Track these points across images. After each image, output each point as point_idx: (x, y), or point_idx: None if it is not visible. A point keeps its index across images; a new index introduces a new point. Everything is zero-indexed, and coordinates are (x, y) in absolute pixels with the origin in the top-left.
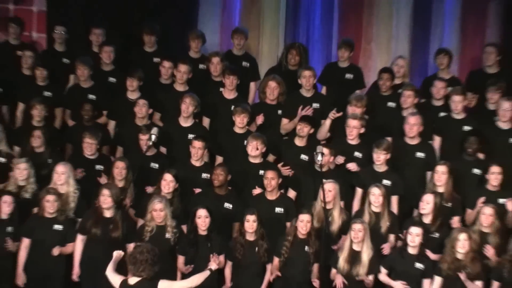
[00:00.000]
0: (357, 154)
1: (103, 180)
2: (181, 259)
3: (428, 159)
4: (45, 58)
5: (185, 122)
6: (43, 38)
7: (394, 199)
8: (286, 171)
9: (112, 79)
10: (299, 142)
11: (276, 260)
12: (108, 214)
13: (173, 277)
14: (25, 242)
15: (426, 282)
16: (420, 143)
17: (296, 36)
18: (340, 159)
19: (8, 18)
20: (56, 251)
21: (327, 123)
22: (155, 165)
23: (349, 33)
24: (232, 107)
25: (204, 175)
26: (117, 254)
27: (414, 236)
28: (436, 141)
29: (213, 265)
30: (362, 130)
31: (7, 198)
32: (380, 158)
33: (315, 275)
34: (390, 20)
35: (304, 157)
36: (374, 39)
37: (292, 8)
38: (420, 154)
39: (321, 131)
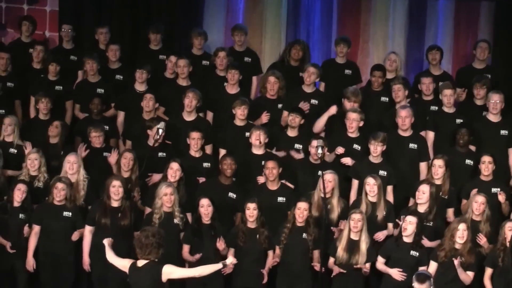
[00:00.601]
0: (356, 146)
1: (112, 158)
2: (186, 248)
3: (420, 150)
4: (56, 55)
5: (189, 116)
6: (55, 36)
7: (390, 189)
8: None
9: (119, 77)
10: (291, 132)
11: (278, 248)
12: (116, 203)
13: (182, 262)
14: (35, 229)
15: (421, 270)
16: (413, 135)
17: (297, 35)
18: (341, 150)
19: (21, 17)
20: (75, 235)
21: (324, 117)
22: (163, 154)
23: (347, 33)
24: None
25: (205, 165)
26: (107, 241)
27: (407, 223)
28: (430, 136)
29: (229, 260)
30: (362, 124)
31: (21, 186)
32: (377, 150)
33: (317, 259)
34: (386, 20)
35: (297, 146)
36: (371, 38)
37: (293, 9)
38: (412, 145)
39: (317, 124)
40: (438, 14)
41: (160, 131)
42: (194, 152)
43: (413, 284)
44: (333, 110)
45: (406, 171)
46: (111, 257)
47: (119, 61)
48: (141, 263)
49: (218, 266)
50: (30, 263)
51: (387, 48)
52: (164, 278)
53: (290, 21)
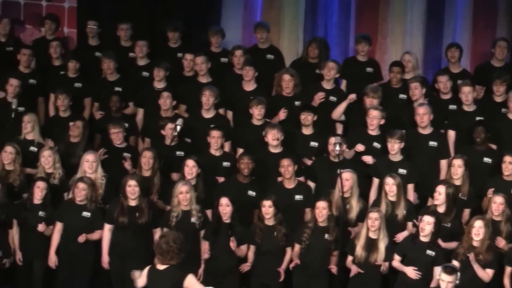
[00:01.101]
0: (376, 144)
1: (127, 165)
2: (206, 245)
3: (440, 147)
4: (78, 52)
5: (207, 113)
6: (73, 33)
7: (410, 187)
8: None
9: (145, 73)
10: (306, 130)
11: (297, 247)
12: (133, 202)
13: (198, 261)
14: (58, 226)
15: (436, 269)
16: (433, 133)
17: (315, 32)
18: (361, 147)
19: (45, 15)
20: (81, 238)
21: (343, 104)
22: (180, 153)
23: (365, 29)
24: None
25: (225, 164)
26: (136, 273)
27: (425, 223)
28: (451, 135)
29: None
30: (383, 121)
31: (40, 184)
32: (394, 147)
33: (334, 262)
34: (404, 16)
35: (313, 144)
36: (389, 34)
37: (311, 6)
38: (432, 143)
39: (336, 111)
40: (457, 10)
41: (178, 127)
42: (214, 150)
43: (440, 276)
44: (352, 96)
45: (426, 170)
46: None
47: (146, 58)
48: (161, 266)
49: None
50: (52, 259)
51: (405, 45)
52: (185, 285)
53: (308, 18)
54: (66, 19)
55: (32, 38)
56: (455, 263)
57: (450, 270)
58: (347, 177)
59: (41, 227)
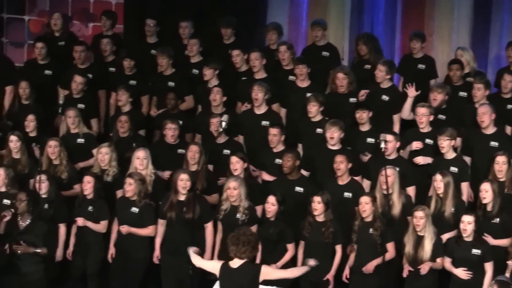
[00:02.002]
0: (428, 141)
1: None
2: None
3: (501, 148)
4: (134, 50)
5: (258, 109)
6: (120, 29)
7: (464, 186)
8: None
9: (195, 71)
10: (362, 127)
11: (351, 246)
12: (182, 197)
13: None
14: (115, 221)
15: (487, 265)
16: (495, 133)
17: (361, 29)
18: (417, 144)
19: (102, 11)
20: (124, 229)
21: (408, 101)
22: (227, 152)
23: (411, 26)
24: (307, 95)
25: (277, 161)
26: (192, 249)
27: (466, 224)
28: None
29: (311, 262)
30: (431, 118)
31: (88, 178)
32: (443, 145)
33: (391, 253)
34: (451, 13)
35: (370, 140)
36: (435, 32)
37: (357, 2)
38: (494, 143)
39: (403, 110)
40: (504, 6)
41: (223, 124)
42: (273, 147)
43: None
44: (412, 93)
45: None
46: (198, 260)
47: (199, 55)
48: (235, 264)
49: (305, 268)
50: (110, 252)
51: (452, 42)
52: (261, 278)
53: (354, 15)
54: None
55: (80, 33)
56: (509, 263)
57: (502, 283)
58: (388, 174)
59: (80, 221)
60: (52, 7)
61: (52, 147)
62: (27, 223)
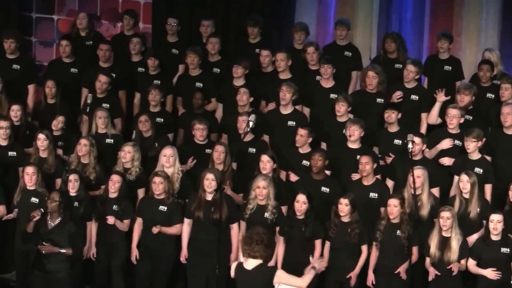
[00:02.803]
0: (457, 142)
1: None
2: (280, 240)
3: None
4: (156, 49)
5: (285, 109)
6: (149, 28)
7: (487, 187)
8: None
9: (216, 70)
10: (390, 128)
11: (373, 244)
12: (209, 197)
13: None
14: (138, 221)
15: None
16: None
17: (389, 28)
18: (448, 143)
19: (124, 10)
20: (155, 229)
21: (436, 106)
22: (252, 150)
23: (439, 26)
24: (330, 95)
25: (304, 162)
26: None
27: (496, 223)
28: None
29: (317, 264)
30: (462, 120)
31: (115, 177)
32: (470, 146)
33: (415, 257)
34: (479, 13)
35: (397, 141)
36: (463, 32)
37: (385, 1)
38: None
39: (431, 115)
40: None
41: (251, 123)
42: (300, 148)
43: None
44: (442, 98)
45: (510, 172)
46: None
47: (218, 54)
48: (249, 265)
49: (313, 273)
50: (134, 253)
51: (480, 42)
52: (276, 281)
53: (382, 14)
54: (141, 14)
55: (108, 33)
56: None
57: None
58: (418, 174)
59: (110, 220)
60: (81, 6)
61: (82, 144)
62: (56, 223)
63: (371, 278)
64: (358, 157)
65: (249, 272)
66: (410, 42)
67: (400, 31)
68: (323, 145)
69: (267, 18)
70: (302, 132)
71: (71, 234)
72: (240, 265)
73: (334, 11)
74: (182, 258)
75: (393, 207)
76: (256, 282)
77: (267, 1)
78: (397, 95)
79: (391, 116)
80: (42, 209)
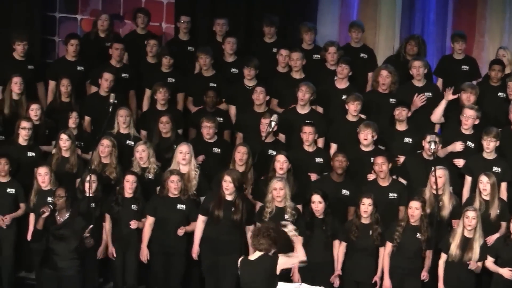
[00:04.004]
0: (470, 144)
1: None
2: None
3: None
4: (171, 47)
5: (302, 109)
6: (171, 28)
7: (503, 186)
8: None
9: (234, 70)
10: (400, 126)
11: (389, 245)
12: (229, 197)
13: None
14: (149, 220)
15: None
16: None
17: (412, 29)
18: (460, 146)
19: (136, 9)
20: (181, 231)
21: (442, 104)
22: (272, 152)
23: (462, 26)
24: (343, 96)
25: (318, 160)
26: None
27: None
28: None
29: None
30: (477, 121)
31: (129, 177)
32: (490, 145)
33: (426, 267)
34: (503, 13)
35: (407, 140)
36: (487, 32)
37: (408, 2)
38: None
39: (435, 113)
40: None
41: (273, 123)
42: (307, 146)
43: None
44: (450, 96)
45: None
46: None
47: (234, 55)
48: (253, 256)
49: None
50: (144, 253)
51: (503, 43)
52: (279, 269)
53: (405, 15)
54: (164, 14)
55: None
56: None
57: None
58: (440, 174)
59: (133, 224)
60: (104, 6)
61: (104, 146)
62: (65, 218)
63: (388, 284)
64: (372, 159)
65: (252, 262)
66: (433, 42)
67: (423, 32)
68: (333, 146)
69: (289, 18)
70: (307, 129)
71: (81, 229)
72: (244, 258)
73: (357, 11)
74: (194, 255)
75: (415, 210)
76: (257, 270)
77: (289, 2)
78: (422, 99)
79: (402, 113)
80: (51, 205)
